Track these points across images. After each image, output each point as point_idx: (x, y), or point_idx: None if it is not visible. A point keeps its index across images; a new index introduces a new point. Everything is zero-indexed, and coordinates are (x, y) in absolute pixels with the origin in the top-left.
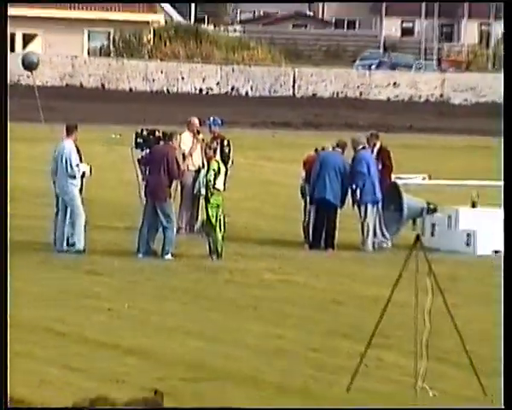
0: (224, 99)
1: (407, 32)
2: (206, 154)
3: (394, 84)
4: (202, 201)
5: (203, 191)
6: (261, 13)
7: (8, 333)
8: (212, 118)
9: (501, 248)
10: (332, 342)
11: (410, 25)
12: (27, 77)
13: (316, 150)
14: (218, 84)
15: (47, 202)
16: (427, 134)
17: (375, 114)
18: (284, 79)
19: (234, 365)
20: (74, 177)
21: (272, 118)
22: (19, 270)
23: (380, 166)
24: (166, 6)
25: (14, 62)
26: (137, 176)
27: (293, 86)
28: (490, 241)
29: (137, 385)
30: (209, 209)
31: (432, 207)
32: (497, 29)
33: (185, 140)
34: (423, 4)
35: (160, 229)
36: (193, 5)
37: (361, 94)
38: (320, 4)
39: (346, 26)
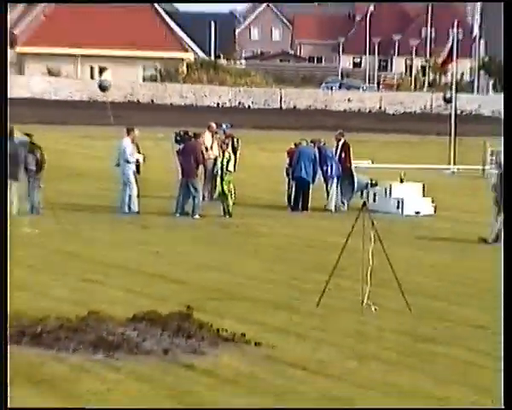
0: (233, 110)
1: (356, 65)
2: (221, 147)
3: (348, 99)
4: (218, 179)
5: (219, 172)
6: (258, 51)
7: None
8: (224, 124)
9: (420, 210)
10: (307, 274)
11: (359, 60)
12: (103, 96)
13: (295, 144)
14: (229, 100)
15: (115, 179)
16: (371, 133)
17: (335, 120)
18: (274, 96)
19: (240, 288)
20: (129, 162)
21: (266, 123)
22: (96, 224)
23: (343, 155)
24: (194, 46)
25: (93, 86)
26: (176, 162)
27: (280, 101)
28: (412, 205)
29: (176, 303)
30: (223, 184)
31: (373, 182)
32: (417, 62)
33: (207, 138)
34: (367, 45)
35: (191, 198)
36: (212, 46)
37: (326, 106)
38: (298, 46)
39: (315, 60)
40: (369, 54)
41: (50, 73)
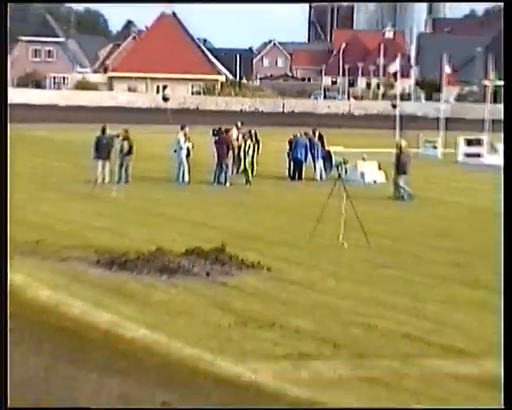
0: (251, 114)
1: (334, 83)
2: (243, 138)
3: (328, 106)
4: (242, 159)
5: (242, 155)
6: (268, 74)
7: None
8: (239, 122)
9: (376, 179)
10: (301, 221)
11: (335, 80)
12: (164, 105)
13: (293, 136)
14: (249, 107)
15: (173, 160)
16: (344, 128)
17: (320, 120)
18: (278, 104)
19: (257, 232)
20: (182, 149)
21: (273, 122)
22: (161, 190)
23: (320, 143)
24: (225, 71)
25: (158, 98)
26: (213, 149)
27: (283, 108)
28: (371, 176)
29: (214, 242)
30: (246, 163)
31: (345, 161)
32: (374, 81)
33: (234, 132)
34: (340, 70)
35: (223, 172)
36: (237, 71)
37: (313, 111)
38: (295, 70)
39: (306, 80)
40: (342, 76)
41: (130, 89)
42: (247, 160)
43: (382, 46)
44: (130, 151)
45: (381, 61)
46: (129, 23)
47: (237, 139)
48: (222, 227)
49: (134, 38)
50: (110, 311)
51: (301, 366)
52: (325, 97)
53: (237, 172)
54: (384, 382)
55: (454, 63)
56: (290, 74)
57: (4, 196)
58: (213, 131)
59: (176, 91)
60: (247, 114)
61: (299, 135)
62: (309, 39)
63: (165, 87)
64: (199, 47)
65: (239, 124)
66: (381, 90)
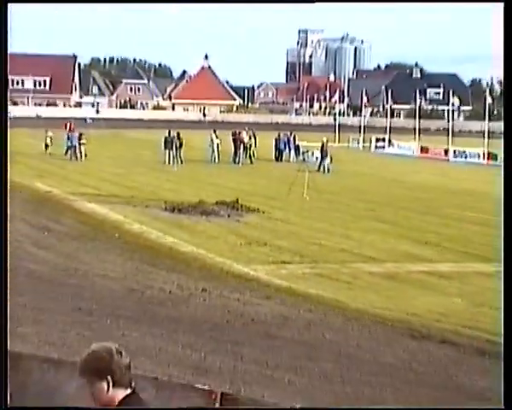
0: (253, 124)
1: (301, 106)
2: (249, 137)
3: (297, 119)
4: (248, 150)
5: (248, 147)
6: (263, 101)
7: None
8: (247, 128)
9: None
10: (281, 185)
11: (301, 104)
12: (204, 119)
13: (278, 136)
14: (252, 119)
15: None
16: (306, 132)
17: (293, 127)
18: (269, 118)
19: (257, 191)
20: (213, 143)
21: (266, 128)
22: (200, 167)
23: (293, 140)
24: (238, 98)
25: (200, 115)
26: (231, 143)
27: (271, 120)
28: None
29: (232, 197)
30: (250, 151)
31: (307, 150)
32: (324, 105)
33: (243, 133)
34: (304, 99)
35: (237, 157)
36: (245, 99)
37: (289, 121)
38: (278, 98)
39: (286, 104)
40: (305, 102)
41: (184, 110)
42: (251, 149)
43: (328, 85)
44: (181, 145)
45: (327, 94)
46: (184, 72)
47: (245, 137)
48: (236, 188)
49: (187, 81)
50: (172, 236)
51: (281, 268)
52: (296, 114)
53: (245, 157)
54: (329, 276)
55: (368, 95)
56: (276, 101)
57: (4, 195)
58: (232, 133)
59: (210, 111)
60: (250, 123)
61: (281, 135)
62: (286, 80)
63: (204, 108)
64: (223, 85)
65: (246, 129)
66: (328, 110)
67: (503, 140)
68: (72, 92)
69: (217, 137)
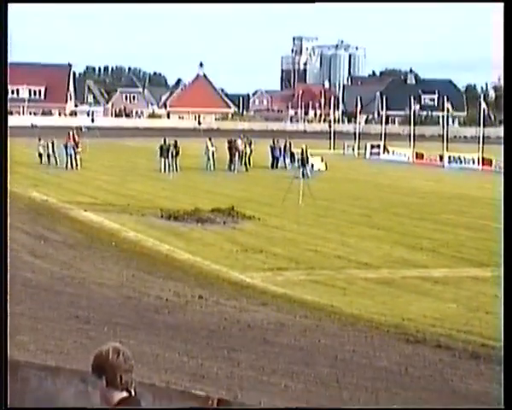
0: (248, 131)
1: (295, 113)
2: (244, 145)
3: (292, 126)
4: (243, 157)
5: (243, 154)
6: (258, 109)
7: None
8: (242, 136)
9: (320, 168)
10: (277, 192)
11: (296, 111)
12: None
13: (273, 142)
14: (247, 127)
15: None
16: (301, 139)
17: (288, 134)
18: (265, 126)
19: (251, 198)
20: (209, 151)
21: (261, 135)
22: (196, 175)
23: (288, 147)
24: (233, 106)
25: (195, 123)
26: (226, 151)
27: (267, 127)
28: (317, 166)
29: (227, 204)
30: (245, 158)
31: (301, 157)
32: (319, 112)
33: (238, 141)
34: (299, 106)
35: (233, 164)
36: (241, 107)
37: (284, 128)
38: (273, 106)
39: (281, 112)
40: (300, 109)
41: (179, 117)
42: (246, 157)
43: (323, 93)
44: (177, 153)
45: (322, 101)
46: (179, 80)
47: (240, 145)
48: (232, 195)
49: (181, 89)
50: (169, 244)
51: (277, 275)
52: (291, 122)
53: (241, 164)
54: (324, 282)
55: (363, 102)
56: (271, 109)
57: (4, 195)
58: (227, 141)
59: (205, 119)
60: (246, 131)
61: (276, 142)
62: (281, 88)
63: (199, 116)
64: (218, 93)
65: (242, 136)
66: (323, 117)
67: (503, 145)
68: (67, 101)
69: (212, 145)
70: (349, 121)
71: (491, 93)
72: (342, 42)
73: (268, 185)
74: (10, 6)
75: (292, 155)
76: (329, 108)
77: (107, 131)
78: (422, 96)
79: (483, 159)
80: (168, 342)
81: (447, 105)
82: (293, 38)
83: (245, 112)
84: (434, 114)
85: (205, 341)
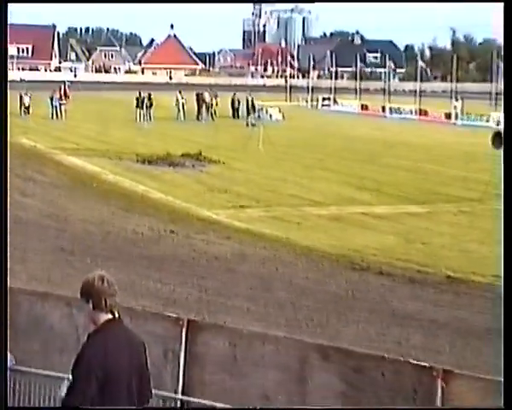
0: (215, 86)
1: (256, 70)
2: (211, 97)
3: (253, 81)
4: (210, 108)
5: (210, 106)
6: (223, 66)
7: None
8: (211, 90)
9: (279, 118)
10: (240, 139)
11: (257, 68)
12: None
13: (234, 95)
14: (214, 82)
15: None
16: (261, 92)
17: (250, 88)
18: (229, 81)
19: (216, 144)
20: (179, 103)
21: (226, 89)
22: (167, 124)
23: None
24: (201, 64)
25: (166, 77)
26: (194, 102)
27: (231, 82)
28: (275, 116)
29: (195, 150)
30: (212, 110)
31: (262, 108)
32: (276, 69)
33: (206, 95)
34: (259, 62)
35: (201, 115)
36: (207, 61)
37: (246, 83)
38: (236, 63)
39: (243, 68)
40: (260, 66)
41: (153, 74)
42: (212, 108)
43: (280, 51)
44: (151, 105)
45: (279, 59)
46: (152, 40)
47: (207, 97)
48: (200, 142)
49: (154, 47)
50: (144, 185)
51: (240, 211)
52: (252, 77)
53: (208, 115)
54: (281, 218)
55: (315, 60)
56: (234, 66)
57: (4, 195)
58: (195, 94)
59: (176, 74)
60: (212, 85)
61: (238, 95)
62: (243, 47)
63: (170, 72)
64: (187, 52)
65: (209, 90)
66: (280, 73)
67: (503, 140)
68: (52, 58)
69: (182, 98)
70: (303, 77)
71: (427, 52)
72: (297, 6)
73: (232, 133)
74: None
75: (253, 106)
76: (286, 65)
77: (88, 86)
78: (367, 55)
79: (420, 110)
80: (144, 271)
81: (389, 63)
82: (254, 3)
83: (211, 68)
84: (378, 70)
85: (176, 270)
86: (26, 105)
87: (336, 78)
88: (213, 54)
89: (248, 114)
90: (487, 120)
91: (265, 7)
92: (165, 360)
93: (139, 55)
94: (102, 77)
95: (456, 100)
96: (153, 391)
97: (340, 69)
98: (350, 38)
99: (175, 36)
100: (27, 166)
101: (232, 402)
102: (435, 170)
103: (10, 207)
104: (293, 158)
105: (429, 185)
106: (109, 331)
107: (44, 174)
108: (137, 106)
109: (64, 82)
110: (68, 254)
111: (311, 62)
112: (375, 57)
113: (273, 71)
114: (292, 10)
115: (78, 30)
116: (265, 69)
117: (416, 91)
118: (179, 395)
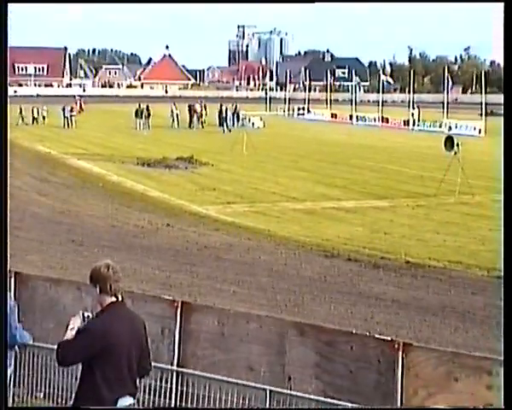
0: (204, 97)
1: (240, 84)
2: (201, 108)
3: (238, 93)
4: (200, 117)
5: (200, 115)
6: (212, 80)
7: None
8: (200, 101)
9: (260, 126)
10: (226, 144)
11: (241, 82)
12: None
13: (221, 106)
14: (203, 94)
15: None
16: (245, 104)
17: (236, 100)
18: (217, 93)
19: (206, 149)
20: (173, 113)
21: (214, 101)
22: (163, 131)
23: (234, 109)
24: (192, 79)
25: (163, 91)
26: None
27: (219, 95)
28: (256, 124)
29: (188, 154)
30: (201, 119)
31: (245, 117)
32: (258, 83)
33: (197, 106)
34: (243, 77)
35: (192, 123)
36: (198, 78)
37: (232, 95)
38: (223, 78)
39: (229, 82)
40: (244, 80)
41: (151, 88)
42: (203, 118)
43: (261, 68)
44: (149, 115)
45: (260, 74)
46: (150, 59)
47: (198, 108)
48: (192, 147)
49: (152, 66)
50: (143, 184)
51: (227, 207)
52: (236, 90)
53: (198, 123)
54: (263, 212)
55: (291, 75)
56: (221, 80)
57: (4, 195)
58: (188, 105)
59: (171, 88)
60: (202, 97)
61: (225, 106)
62: (229, 64)
63: (166, 86)
64: (180, 68)
65: (199, 102)
66: (261, 86)
67: (503, 140)
68: (64, 76)
69: (176, 109)
70: (281, 89)
71: (388, 68)
72: (275, 29)
73: (219, 139)
74: (10, 6)
75: (237, 115)
76: (265, 79)
77: (95, 99)
78: (336, 70)
79: (382, 118)
80: (143, 260)
81: (355, 77)
82: (238, 26)
83: (201, 83)
84: (345, 83)
85: (171, 258)
86: (43, 115)
87: (310, 90)
88: (203, 70)
89: (224, 122)
90: (440, 126)
91: (248, 30)
92: (163, 337)
93: (138, 72)
94: (107, 91)
95: (414, 108)
96: (152, 364)
97: (313, 83)
98: (321, 55)
99: (170, 55)
100: (43, 168)
101: (221, 373)
102: (396, 170)
103: (29, 205)
104: (273, 160)
105: (391, 183)
106: (113, 311)
107: (57, 176)
108: (137, 116)
109: (80, 97)
110: (78, 245)
111: (288, 77)
112: (343, 72)
113: (255, 85)
114: (271, 32)
115: (86, 51)
116: (248, 83)
117: (378, 102)
118: (175, 367)
